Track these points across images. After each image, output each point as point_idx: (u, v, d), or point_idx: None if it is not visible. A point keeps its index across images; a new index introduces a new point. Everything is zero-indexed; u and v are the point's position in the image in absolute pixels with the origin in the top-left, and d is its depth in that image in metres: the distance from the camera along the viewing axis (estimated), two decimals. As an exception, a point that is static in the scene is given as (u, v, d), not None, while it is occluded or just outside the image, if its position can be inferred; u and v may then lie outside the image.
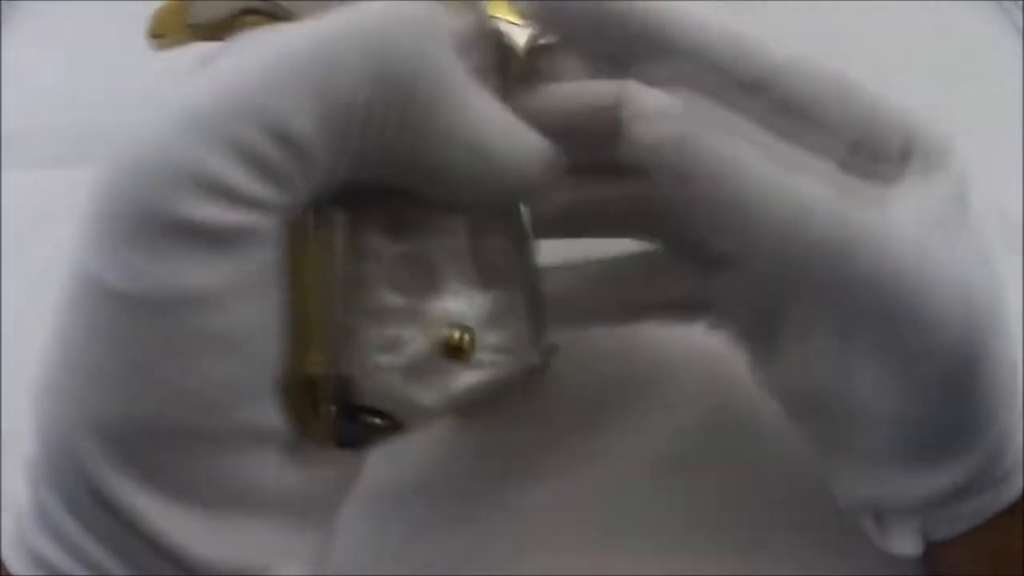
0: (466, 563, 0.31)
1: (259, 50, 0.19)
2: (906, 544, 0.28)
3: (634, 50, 0.23)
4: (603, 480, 0.33)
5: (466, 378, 0.20)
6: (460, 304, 0.20)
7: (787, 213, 0.22)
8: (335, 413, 0.20)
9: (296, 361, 0.19)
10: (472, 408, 0.33)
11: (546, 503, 0.33)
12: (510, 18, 0.24)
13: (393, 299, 0.20)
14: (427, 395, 0.20)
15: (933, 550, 0.28)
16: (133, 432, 0.18)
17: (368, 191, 0.20)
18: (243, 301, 0.18)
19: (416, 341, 0.20)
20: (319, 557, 0.22)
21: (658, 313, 0.30)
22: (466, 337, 0.20)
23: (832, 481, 0.29)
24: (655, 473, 0.33)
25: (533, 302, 0.23)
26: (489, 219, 0.22)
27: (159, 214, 0.17)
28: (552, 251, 0.26)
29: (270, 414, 0.19)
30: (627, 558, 0.32)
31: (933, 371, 0.23)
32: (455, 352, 0.20)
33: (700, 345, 0.30)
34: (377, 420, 0.20)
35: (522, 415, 0.34)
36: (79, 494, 0.18)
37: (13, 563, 0.19)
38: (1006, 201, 0.40)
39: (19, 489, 0.19)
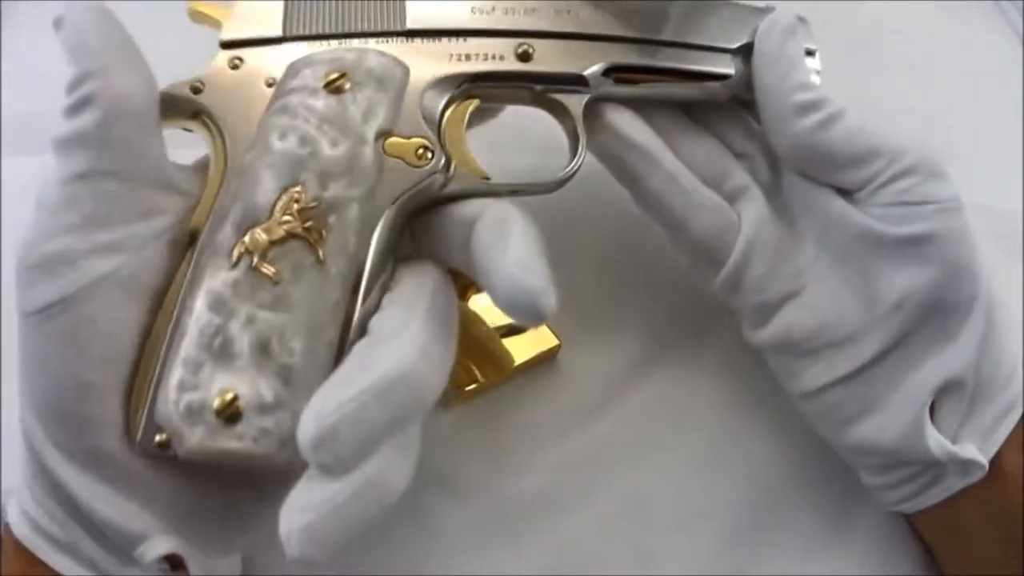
0: (467, 550, 0.31)
1: None
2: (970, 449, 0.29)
3: None
4: (606, 474, 0.33)
5: (225, 441, 0.23)
6: (243, 384, 0.24)
7: None
8: (143, 422, 0.24)
9: (139, 368, 0.24)
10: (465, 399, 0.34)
11: (547, 497, 0.33)
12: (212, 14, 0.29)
13: (197, 354, 0.24)
14: (192, 437, 0.23)
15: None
16: (52, 415, 0.23)
17: None
18: (94, 305, 0.23)
19: (199, 391, 0.24)
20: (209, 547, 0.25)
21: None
22: (235, 407, 0.23)
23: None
24: (658, 466, 0.33)
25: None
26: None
27: (36, 272, 0.24)
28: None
29: (116, 410, 0.24)
30: (630, 550, 0.32)
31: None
32: (222, 416, 0.23)
33: (711, 341, 0.30)
34: (161, 437, 0.24)
35: (532, 406, 0.34)
36: (35, 469, 0.24)
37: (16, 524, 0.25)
38: (1005, 201, 0.40)
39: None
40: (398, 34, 0.29)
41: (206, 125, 0.27)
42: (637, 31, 0.31)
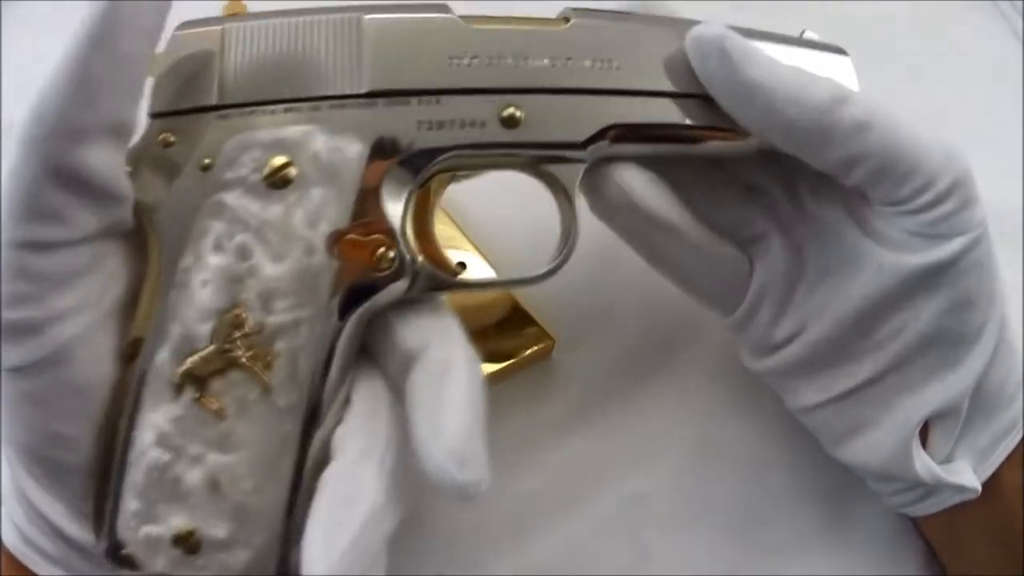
0: (465, 550, 0.31)
1: None
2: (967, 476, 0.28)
3: None
4: (603, 474, 0.33)
5: (188, 570, 0.23)
6: (198, 521, 0.23)
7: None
8: (106, 534, 0.24)
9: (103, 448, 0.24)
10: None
11: (544, 497, 0.32)
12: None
13: (148, 489, 0.23)
14: (155, 564, 0.23)
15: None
16: (28, 455, 0.23)
17: None
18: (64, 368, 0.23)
19: (156, 525, 0.23)
20: None
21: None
22: (193, 541, 0.23)
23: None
24: (656, 465, 0.33)
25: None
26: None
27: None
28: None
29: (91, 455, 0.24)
30: (628, 550, 0.32)
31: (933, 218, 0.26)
32: (182, 547, 0.23)
33: (708, 337, 0.30)
34: (127, 552, 0.23)
35: (531, 405, 0.34)
36: (19, 495, 0.24)
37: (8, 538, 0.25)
38: (1005, 201, 0.40)
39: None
40: (355, 97, 0.24)
41: (137, 214, 0.24)
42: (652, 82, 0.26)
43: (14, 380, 0.22)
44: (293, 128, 0.24)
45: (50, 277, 0.22)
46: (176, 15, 0.27)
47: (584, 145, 0.26)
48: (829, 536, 0.32)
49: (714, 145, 0.27)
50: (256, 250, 0.23)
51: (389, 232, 0.24)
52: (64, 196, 0.22)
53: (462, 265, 0.34)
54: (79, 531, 0.24)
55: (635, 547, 0.32)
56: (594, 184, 0.27)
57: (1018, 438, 0.29)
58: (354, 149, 0.24)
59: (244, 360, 0.23)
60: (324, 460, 0.23)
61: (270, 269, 0.23)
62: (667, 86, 0.26)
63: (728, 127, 0.27)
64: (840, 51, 0.29)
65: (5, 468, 0.25)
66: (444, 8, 0.26)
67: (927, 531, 0.32)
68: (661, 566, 0.32)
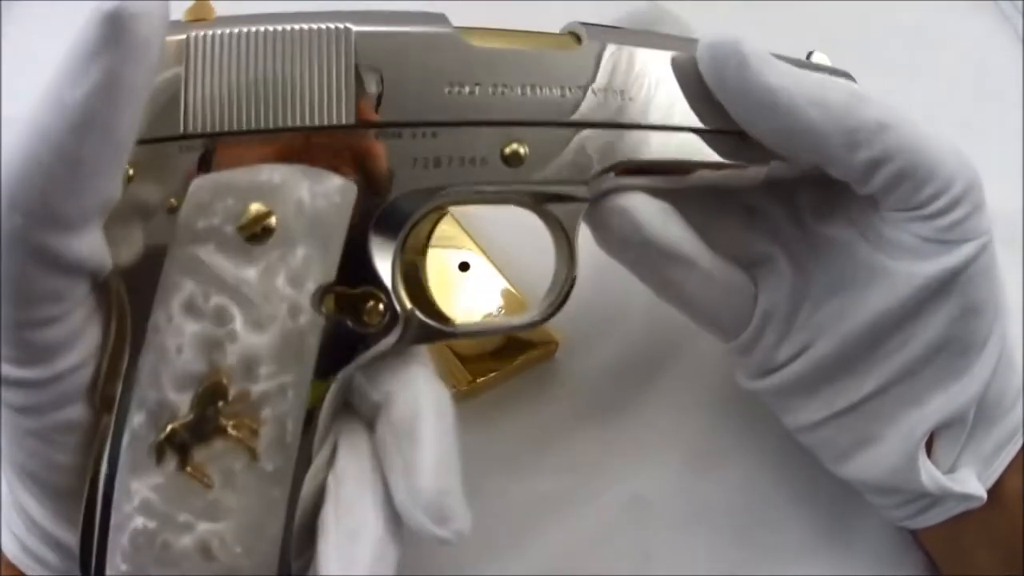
0: (467, 552, 0.31)
1: None
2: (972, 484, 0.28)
3: None
4: (606, 475, 0.33)
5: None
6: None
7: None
8: None
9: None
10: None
11: (547, 499, 0.32)
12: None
13: (136, 554, 0.22)
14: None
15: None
16: (25, 475, 0.23)
17: None
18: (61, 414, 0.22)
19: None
20: None
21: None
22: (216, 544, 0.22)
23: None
24: (658, 467, 0.33)
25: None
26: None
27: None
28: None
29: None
30: (630, 551, 0.32)
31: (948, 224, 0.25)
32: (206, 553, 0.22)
33: (711, 339, 0.30)
34: None
35: (533, 408, 0.33)
36: (17, 507, 0.24)
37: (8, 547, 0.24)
38: (1005, 201, 0.39)
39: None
40: (343, 129, 0.21)
41: None
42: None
43: (15, 417, 0.22)
44: (272, 170, 0.21)
45: (49, 346, 0.21)
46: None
47: (588, 182, 0.24)
48: (830, 538, 0.32)
49: (723, 175, 0.26)
50: (235, 314, 0.21)
51: (379, 283, 0.22)
52: (55, 280, 0.20)
53: (464, 265, 0.34)
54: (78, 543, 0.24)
55: (637, 549, 0.32)
56: (600, 218, 0.25)
57: (1019, 445, 0.29)
58: (341, 192, 0.21)
59: (229, 430, 0.21)
60: (316, 505, 0.22)
61: (252, 338, 0.21)
62: (683, 119, 0.25)
63: (745, 161, 0.25)
64: (847, 75, 0.28)
65: (5, 481, 0.24)
66: (442, 19, 0.23)
67: (927, 542, 0.32)
68: (663, 567, 0.31)
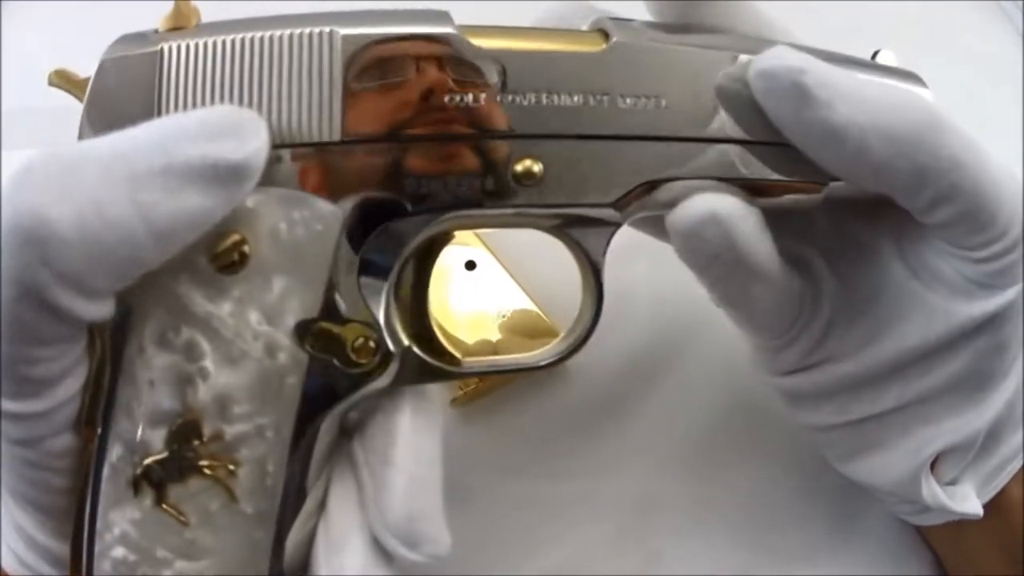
0: (474, 555, 0.31)
1: None
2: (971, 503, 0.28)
3: None
4: (612, 476, 0.33)
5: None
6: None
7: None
8: None
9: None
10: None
11: (562, 497, 0.32)
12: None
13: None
14: None
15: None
16: (20, 496, 0.22)
17: None
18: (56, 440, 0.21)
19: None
20: None
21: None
22: None
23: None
24: (665, 467, 0.33)
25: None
26: None
27: None
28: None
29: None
30: (637, 552, 0.32)
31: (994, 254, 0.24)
32: None
33: (718, 341, 0.30)
34: None
35: (539, 408, 0.33)
36: (14, 524, 0.24)
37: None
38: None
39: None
40: (328, 145, 0.19)
41: None
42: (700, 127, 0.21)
43: (13, 447, 0.21)
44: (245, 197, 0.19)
45: (46, 381, 0.20)
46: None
47: (616, 205, 0.21)
48: (836, 540, 0.32)
49: (776, 201, 0.23)
50: (206, 350, 0.20)
51: (369, 319, 0.20)
52: (60, 328, 0.20)
53: (471, 265, 0.34)
54: None
55: (644, 551, 0.32)
56: (682, 225, 0.22)
57: (1021, 463, 0.29)
58: (324, 219, 0.19)
59: (204, 469, 0.20)
60: (310, 542, 0.22)
61: (225, 375, 0.20)
62: (726, 130, 0.21)
63: (801, 182, 0.22)
64: (917, 78, 0.25)
65: (3, 503, 0.24)
66: (445, 18, 0.21)
67: (933, 540, 0.32)
68: (669, 569, 0.31)
